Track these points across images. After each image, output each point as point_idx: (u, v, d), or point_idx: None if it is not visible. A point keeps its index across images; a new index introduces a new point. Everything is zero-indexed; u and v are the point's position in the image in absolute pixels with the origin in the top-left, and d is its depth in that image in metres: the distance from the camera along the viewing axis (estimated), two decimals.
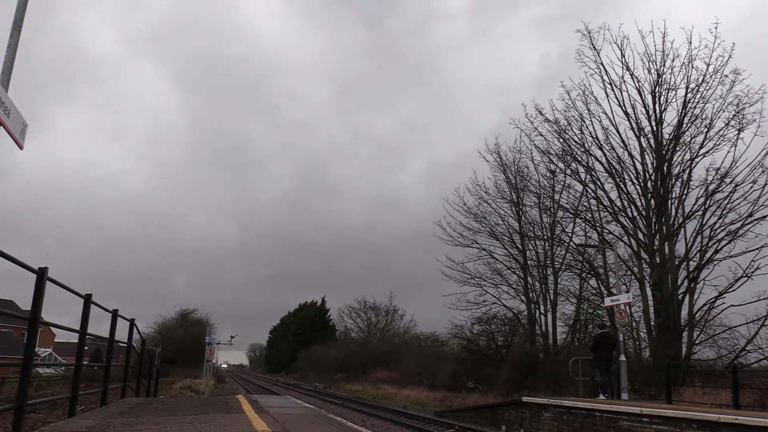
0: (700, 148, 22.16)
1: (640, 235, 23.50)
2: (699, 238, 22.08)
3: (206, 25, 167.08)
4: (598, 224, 26.44)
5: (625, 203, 23.98)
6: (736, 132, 21.29)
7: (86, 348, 8.47)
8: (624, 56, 23.36)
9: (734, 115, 21.33)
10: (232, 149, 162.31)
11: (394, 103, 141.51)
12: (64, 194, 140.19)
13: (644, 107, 23.41)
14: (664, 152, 22.97)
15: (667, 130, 23.18)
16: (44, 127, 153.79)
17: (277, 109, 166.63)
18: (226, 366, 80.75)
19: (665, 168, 22.89)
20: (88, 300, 7.18)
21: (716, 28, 21.31)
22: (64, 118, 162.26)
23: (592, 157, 24.84)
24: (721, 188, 21.52)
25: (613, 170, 24.16)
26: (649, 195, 23.22)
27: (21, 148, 5.73)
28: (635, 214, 23.69)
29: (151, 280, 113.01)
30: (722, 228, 21.49)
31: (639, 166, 23.66)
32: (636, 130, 23.58)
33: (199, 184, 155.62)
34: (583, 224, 27.83)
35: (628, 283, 25.65)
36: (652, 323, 23.02)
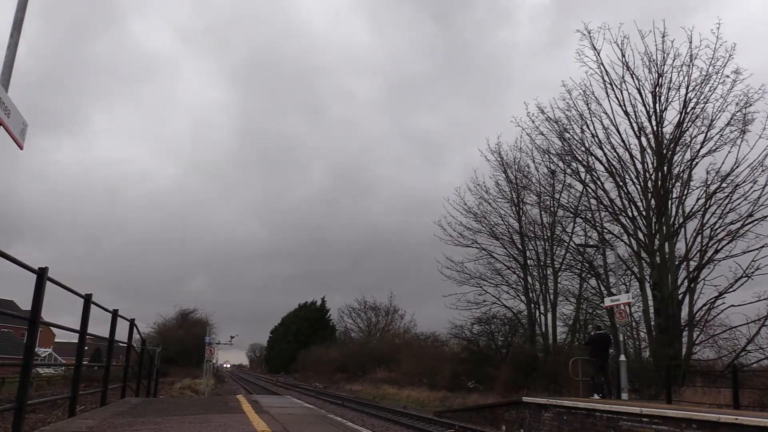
0: (701, 147, 22.18)
1: (641, 235, 23.50)
2: (699, 238, 22.09)
3: (260, 19, 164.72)
4: (598, 224, 26.44)
5: (626, 203, 23.99)
6: (737, 132, 21.32)
7: (86, 348, 8.47)
8: (624, 56, 23.38)
9: (734, 115, 21.35)
10: (273, 148, 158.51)
11: (445, 103, 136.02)
12: (97, 193, 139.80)
13: (644, 107, 23.42)
14: (664, 152, 22.97)
15: (667, 129, 23.21)
16: (88, 125, 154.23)
17: (324, 108, 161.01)
18: (229, 366, 79.23)
19: (666, 167, 22.88)
20: (88, 300, 7.18)
21: (718, 28, 21.35)
22: (108, 116, 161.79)
23: (593, 157, 24.87)
24: (721, 188, 21.53)
25: (614, 170, 24.17)
26: (650, 195, 23.21)
27: (21, 148, 5.73)
28: (635, 213, 23.68)
29: (171, 280, 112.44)
30: (722, 228, 21.50)
31: (639, 166, 23.67)
32: (636, 130, 23.58)
33: (233, 183, 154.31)
34: (583, 224, 27.85)
35: (628, 283, 25.66)
36: (652, 323, 23.01)
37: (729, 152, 21.41)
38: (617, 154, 24.04)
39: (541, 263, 29.64)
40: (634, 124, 23.56)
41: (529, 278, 30.06)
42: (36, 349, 9.96)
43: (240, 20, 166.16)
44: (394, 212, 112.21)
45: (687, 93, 22.30)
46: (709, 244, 21.64)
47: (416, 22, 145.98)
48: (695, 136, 22.37)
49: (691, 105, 22.24)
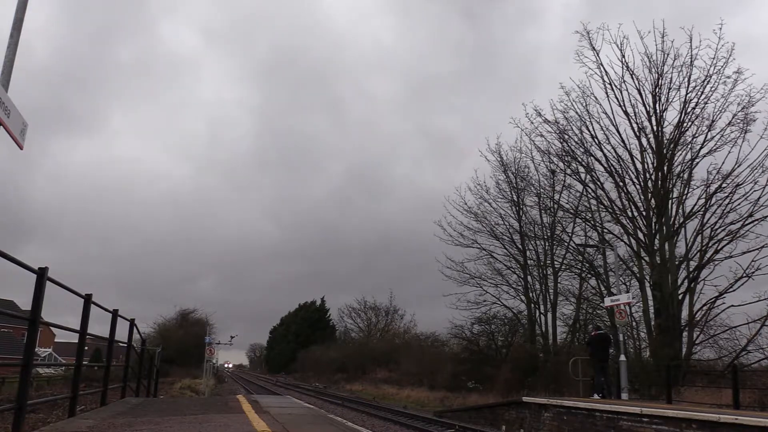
0: (701, 147, 22.17)
1: (641, 235, 23.48)
2: (699, 238, 22.08)
3: (282, 18, 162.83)
4: (598, 224, 26.44)
5: (626, 203, 23.97)
6: (738, 132, 21.31)
7: (86, 348, 8.47)
8: (624, 56, 23.36)
9: (735, 115, 21.33)
10: (291, 147, 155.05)
11: (468, 103, 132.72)
12: (111, 193, 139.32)
13: (645, 107, 23.39)
14: (664, 152, 22.96)
15: (668, 129, 23.19)
16: (106, 125, 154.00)
17: (345, 107, 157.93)
18: (231, 366, 78.24)
19: (666, 167, 22.87)
20: (88, 300, 7.18)
21: (720, 28, 21.33)
22: (127, 116, 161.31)
23: (592, 157, 24.85)
24: (721, 188, 21.52)
25: (613, 170, 24.15)
26: (650, 195, 23.20)
27: (21, 148, 5.73)
28: (635, 213, 23.67)
29: (180, 281, 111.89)
30: (722, 228, 21.49)
31: (639, 166, 23.65)
32: (636, 130, 23.56)
33: (250, 182, 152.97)
34: (583, 224, 27.83)
35: (628, 283, 25.66)
36: (652, 323, 23.00)
37: (729, 152, 21.43)
38: (617, 154, 24.06)
39: (541, 263, 29.65)
40: (634, 125, 23.56)
41: (529, 278, 30.07)
42: (36, 349, 9.97)
43: (262, 19, 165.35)
44: (410, 213, 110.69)
45: (687, 93, 22.32)
46: (709, 244, 21.64)
47: (441, 22, 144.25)
48: (696, 136, 22.40)
49: (692, 105, 22.26)
